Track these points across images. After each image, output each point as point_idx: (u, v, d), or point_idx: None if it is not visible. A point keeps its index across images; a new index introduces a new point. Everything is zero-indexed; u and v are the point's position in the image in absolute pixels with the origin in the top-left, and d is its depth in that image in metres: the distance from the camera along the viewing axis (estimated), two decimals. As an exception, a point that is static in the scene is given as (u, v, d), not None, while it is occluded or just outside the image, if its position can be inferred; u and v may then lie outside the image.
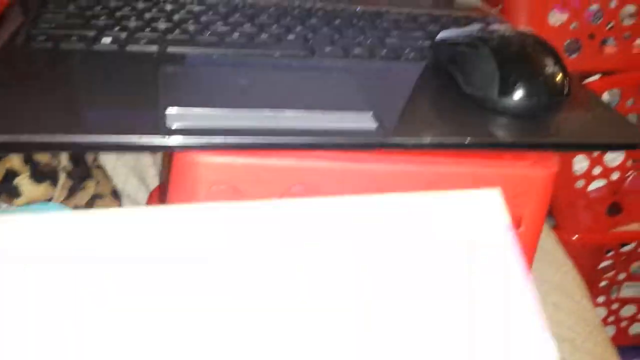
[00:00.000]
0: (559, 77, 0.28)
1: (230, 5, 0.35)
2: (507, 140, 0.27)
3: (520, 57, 0.29)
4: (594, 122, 0.30)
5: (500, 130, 0.27)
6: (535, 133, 0.28)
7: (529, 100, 0.27)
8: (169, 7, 0.33)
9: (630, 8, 0.54)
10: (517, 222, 0.30)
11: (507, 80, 0.28)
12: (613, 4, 0.53)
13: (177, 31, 0.31)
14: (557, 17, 0.54)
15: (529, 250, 0.34)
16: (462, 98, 0.29)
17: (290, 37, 0.33)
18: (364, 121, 0.26)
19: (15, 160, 0.29)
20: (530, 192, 0.29)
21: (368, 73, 0.31)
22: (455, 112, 0.28)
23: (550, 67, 0.29)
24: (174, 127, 0.23)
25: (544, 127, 0.28)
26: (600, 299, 0.64)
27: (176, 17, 0.33)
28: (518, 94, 0.27)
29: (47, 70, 0.27)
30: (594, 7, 0.53)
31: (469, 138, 0.26)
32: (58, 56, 0.28)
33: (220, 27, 0.32)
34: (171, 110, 0.23)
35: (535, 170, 0.28)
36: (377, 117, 0.26)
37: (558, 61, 0.29)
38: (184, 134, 0.22)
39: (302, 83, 0.29)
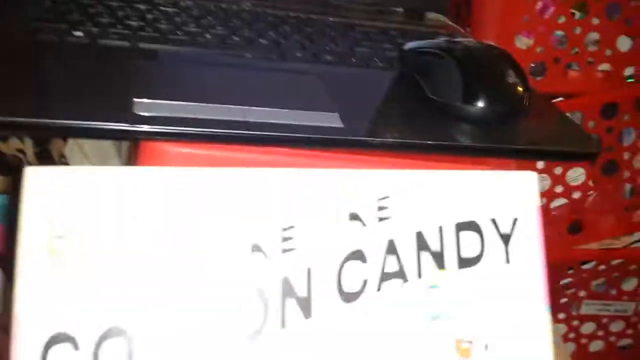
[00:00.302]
0: (519, 87, 0.30)
1: (204, 9, 0.35)
2: (467, 144, 0.27)
3: (483, 67, 0.30)
4: (554, 131, 0.32)
5: (462, 135, 0.28)
6: (495, 139, 0.28)
7: (491, 107, 0.28)
8: (142, 6, 0.34)
9: (594, 35, 0.57)
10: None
11: (470, 88, 0.29)
12: (578, 31, 0.55)
13: (149, 29, 0.31)
14: (523, 41, 0.56)
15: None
16: (428, 104, 0.29)
17: (262, 41, 0.33)
18: (330, 120, 0.26)
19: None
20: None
21: (337, 78, 0.32)
22: (420, 116, 0.29)
23: (511, 77, 0.30)
24: (141, 114, 0.23)
25: (504, 134, 0.29)
26: (561, 316, 0.65)
27: (149, 16, 0.33)
28: (480, 102, 0.28)
29: (23, 59, 0.27)
30: (559, 33, 0.56)
31: (429, 140, 0.27)
32: (33, 46, 0.28)
33: (192, 28, 0.33)
34: (140, 100, 0.23)
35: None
36: (344, 117, 0.26)
37: (519, 72, 0.30)
38: (152, 123, 0.23)
39: (272, 84, 0.30)
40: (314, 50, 0.34)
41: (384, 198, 0.23)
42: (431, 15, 0.45)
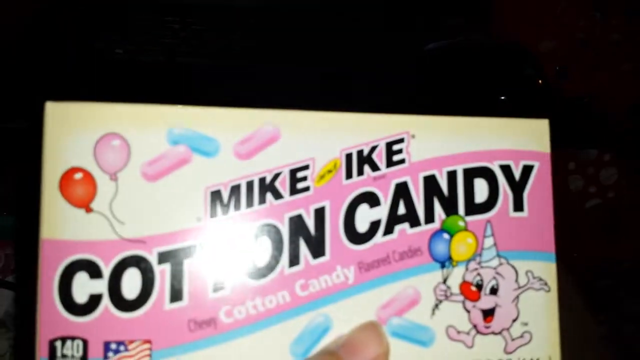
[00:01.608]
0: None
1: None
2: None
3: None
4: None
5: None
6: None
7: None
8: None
9: (616, 36, 0.56)
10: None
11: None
12: (599, 32, 0.55)
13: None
14: (546, 45, 0.56)
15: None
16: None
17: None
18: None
19: None
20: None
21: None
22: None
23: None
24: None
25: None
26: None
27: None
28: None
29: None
30: (581, 35, 0.55)
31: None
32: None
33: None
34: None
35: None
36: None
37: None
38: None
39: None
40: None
41: (396, 142, 0.23)
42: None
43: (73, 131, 0.20)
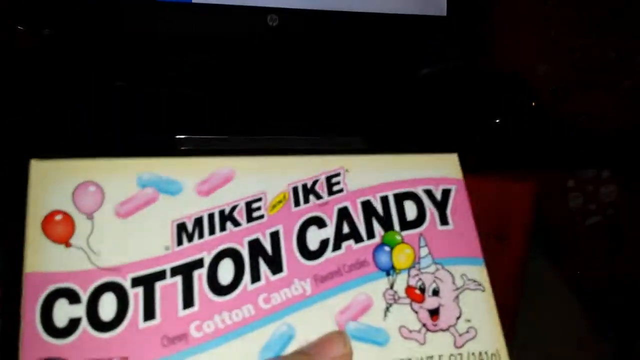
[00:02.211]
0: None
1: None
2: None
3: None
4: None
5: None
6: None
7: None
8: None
9: (612, 54, 0.55)
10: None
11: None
12: (595, 52, 0.54)
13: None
14: (542, 68, 0.54)
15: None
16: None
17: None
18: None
19: None
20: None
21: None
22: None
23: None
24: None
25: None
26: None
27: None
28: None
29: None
30: (577, 55, 0.54)
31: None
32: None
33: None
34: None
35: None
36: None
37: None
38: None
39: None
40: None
41: (334, 175, 0.27)
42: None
43: (54, 182, 0.23)
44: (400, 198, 0.28)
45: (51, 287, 0.21)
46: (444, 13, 0.42)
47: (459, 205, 0.28)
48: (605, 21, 0.53)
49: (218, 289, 0.23)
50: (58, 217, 0.22)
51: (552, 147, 0.33)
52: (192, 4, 0.37)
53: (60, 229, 0.22)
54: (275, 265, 0.24)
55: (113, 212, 0.23)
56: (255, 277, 0.24)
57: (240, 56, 0.39)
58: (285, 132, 0.30)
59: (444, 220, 0.28)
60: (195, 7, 0.37)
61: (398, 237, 0.27)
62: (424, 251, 0.27)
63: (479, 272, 0.27)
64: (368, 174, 0.27)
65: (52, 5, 0.33)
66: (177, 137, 0.28)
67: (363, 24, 0.41)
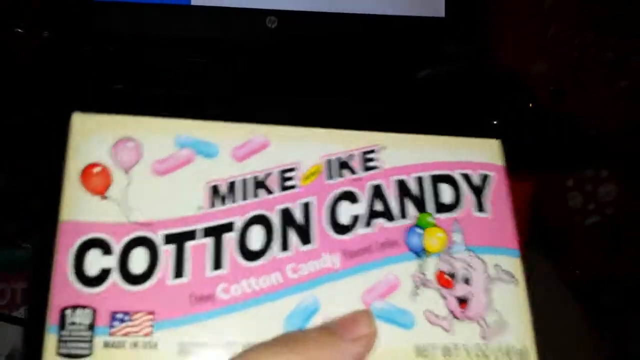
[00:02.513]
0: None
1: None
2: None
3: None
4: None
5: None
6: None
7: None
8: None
9: (610, 54, 0.55)
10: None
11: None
12: (593, 51, 0.53)
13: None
14: (540, 67, 0.54)
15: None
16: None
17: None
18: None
19: None
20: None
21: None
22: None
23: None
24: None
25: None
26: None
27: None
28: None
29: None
30: (575, 54, 0.54)
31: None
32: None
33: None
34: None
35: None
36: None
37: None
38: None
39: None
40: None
41: (370, 152, 0.26)
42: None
43: (94, 135, 0.23)
44: (436, 180, 0.27)
45: (85, 237, 0.21)
46: (442, 14, 0.41)
47: (498, 193, 0.27)
48: (604, 21, 0.52)
49: (247, 253, 0.23)
50: (96, 170, 0.22)
51: (550, 147, 0.32)
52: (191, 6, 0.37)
53: (97, 180, 0.22)
54: (305, 236, 0.24)
55: (150, 169, 0.23)
56: (285, 246, 0.23)
57: (241, 57, 0.39)
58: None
59: (480, 207, 0.27)
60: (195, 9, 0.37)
61: (431, 220, 0.26)
62: (457, 237, 0.26)
63: (514, 264, 0.26)
64: (405, 153, 0.27)
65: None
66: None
67: (360, 25, 0.41)
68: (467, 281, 0.25)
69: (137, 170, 0.23)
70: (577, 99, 0.54)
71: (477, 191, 0.27)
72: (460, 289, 0.25)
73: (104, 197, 0.22)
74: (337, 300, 0.23)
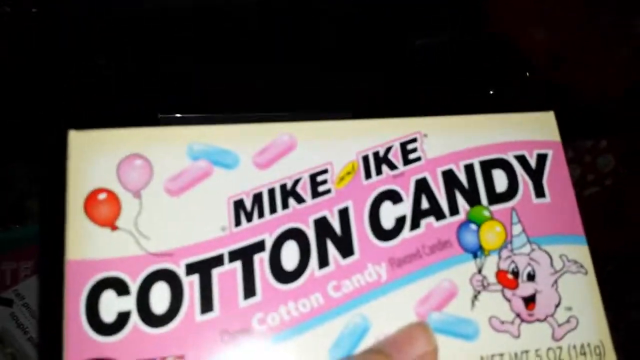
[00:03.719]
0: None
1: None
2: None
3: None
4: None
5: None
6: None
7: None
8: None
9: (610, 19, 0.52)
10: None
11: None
12: (592, 18, 0.49)
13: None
14: (538, 34, 0.51)
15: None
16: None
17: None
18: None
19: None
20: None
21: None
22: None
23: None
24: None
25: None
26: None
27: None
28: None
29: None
30: (574, 21, 0.50)
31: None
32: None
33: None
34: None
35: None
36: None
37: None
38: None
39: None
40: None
41: (409, 141, 0.22)
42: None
43: (96, 155, 0.19)
44: (487, 166, 0.22)
45: (97, 277, 0.18)
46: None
47: (557, 172, 0.23)
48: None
49: (282, 275, 0.19)
50: (102, 196, 0.19)
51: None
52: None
53: (104, 209, 0.19)
54: (346, 248, 0.20)
55: (162, 189, 0.19)
56: (324, 262, 0.20)
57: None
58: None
59: (539, 192, 0.23)
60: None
61: (486, 213, 0.22)
62: (517, 229, 0.22)
63: (581, 252, 0.22)
64: (449, 139, 0.22)
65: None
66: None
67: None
68: (531, 278, 0.21)
69: (148, 191, 0.19)
70: (575, 68, 0.50)
71: (535, 174, 0.23)
72: (526, 288, 0.21)
73: (114, 228, 0.19)
74: (388, 316, 0.19)
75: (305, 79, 0.32)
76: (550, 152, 0.23)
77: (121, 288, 0.18)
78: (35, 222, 0.37)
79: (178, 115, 0.26)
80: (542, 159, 0.23)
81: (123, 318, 0.18)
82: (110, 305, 0.18)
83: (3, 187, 0.36)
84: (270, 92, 0.29)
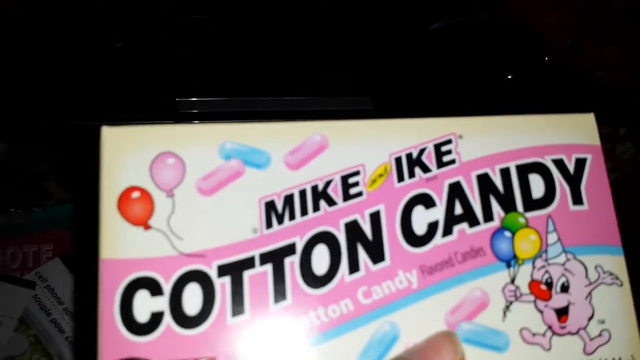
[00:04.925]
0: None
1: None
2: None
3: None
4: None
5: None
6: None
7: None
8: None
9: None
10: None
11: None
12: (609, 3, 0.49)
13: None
14: (554, 19, 0.50)
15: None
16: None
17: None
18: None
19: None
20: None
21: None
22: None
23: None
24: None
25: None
26: None
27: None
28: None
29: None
30: (589, 6, 0.50)
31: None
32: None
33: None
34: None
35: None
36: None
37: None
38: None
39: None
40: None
41: (444, 143, 0.21)
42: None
43: (128, 152, 0.19)
44: (524, 170, 0.21)
45: (131, 277, 0.18)
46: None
47: (596, 178, 0.22)
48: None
49: (312, 279, 0.19)
50: (135, 195, 0.18)
51: (566, 103, 0.26)
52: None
53: (138, 208, 0.18)
54: (377, 253, 0.19)
55: (195, 189, 0.19)
56: (354, 267, 0.19)
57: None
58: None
59: (577, 199, 0.21)
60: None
61: (521, 220, 0.21)
62: (552, 237, 0.21)
63: (617, 264, 0.21)
64: (485, 141, 0.21)
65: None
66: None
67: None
68: (565, 289, 0.20)
69: (180, 190, 0.19)
70: (594, 54, 0.47)
71: (573, 180, 0.22)
72: (559, 300, 0.20)
73: (147, 227, 0.18)
74: (418, 325, 0.19)
75: (319, 64, 0.30)
76: (589, 157, 0.22)
77: (155, 288, 0.18)
78: (55, 204, 0.36)
79: (195, 99, 0.26)
80: (580, 163, 0.22)
81: (156, 318, 0.17)
82: (144, 305, 0.17)
83: (22, 169, 0.36)
84: (287, 78, 0.28)
